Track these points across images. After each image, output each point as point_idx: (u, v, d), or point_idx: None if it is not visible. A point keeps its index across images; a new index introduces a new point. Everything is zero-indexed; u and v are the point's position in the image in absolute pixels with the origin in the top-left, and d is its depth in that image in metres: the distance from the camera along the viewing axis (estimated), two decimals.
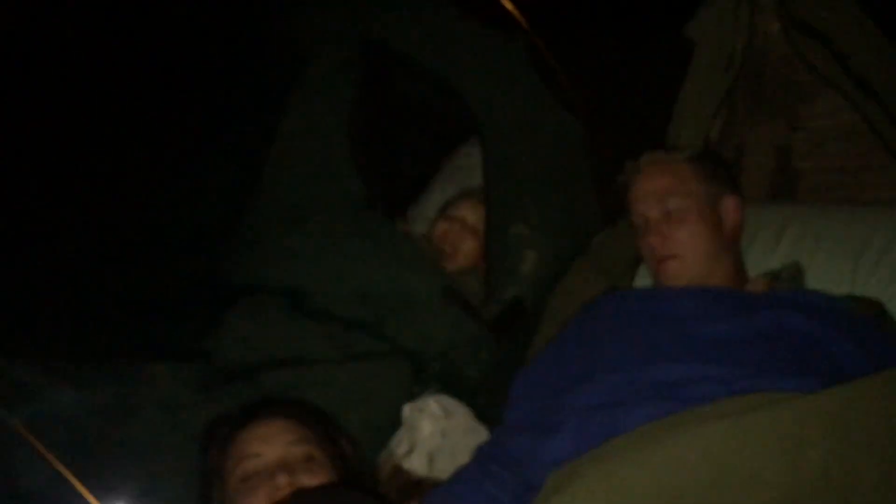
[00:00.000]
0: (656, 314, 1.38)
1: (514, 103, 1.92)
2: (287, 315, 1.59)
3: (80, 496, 1.20)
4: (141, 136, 1.84)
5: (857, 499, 0.93)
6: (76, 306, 1.48)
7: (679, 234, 1.41)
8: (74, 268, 1.56)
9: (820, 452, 0.94)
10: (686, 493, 0.95)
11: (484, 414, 1.58)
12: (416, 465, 1.47)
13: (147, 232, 1.77)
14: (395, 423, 1.54)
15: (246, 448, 1.23)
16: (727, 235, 1.44)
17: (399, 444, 1.50)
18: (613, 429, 1.15)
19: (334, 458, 1.28)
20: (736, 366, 1.21)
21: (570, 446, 1.17)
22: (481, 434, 1.55)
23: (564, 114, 1.95)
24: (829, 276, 1.52)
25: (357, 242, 1.69)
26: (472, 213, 1.92)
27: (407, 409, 1.54)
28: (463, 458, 1.48)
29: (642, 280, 1.69)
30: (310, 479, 1.20)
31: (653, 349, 1.28)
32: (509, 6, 1.94)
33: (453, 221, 1.89)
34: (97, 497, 1.23)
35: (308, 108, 1.87)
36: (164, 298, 1.59)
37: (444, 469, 1.48)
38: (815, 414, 0.97)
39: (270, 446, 1.23)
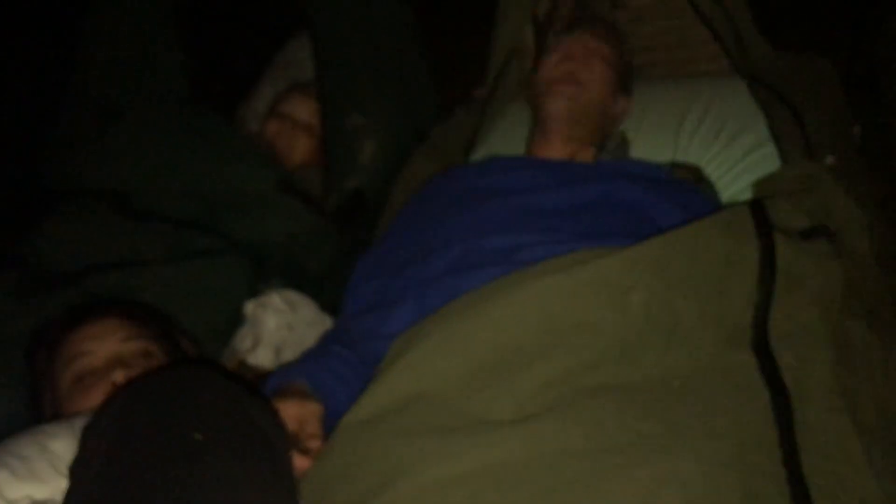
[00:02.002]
0: (489, 188, 1.40)
1: None
2: (110, 217, 1.49)
3: None
4: None
5: (677, 336, 0.99)
6: None
7: (592, 75, 1.47)
8: None
9: (642, 296, 0.99)
10: (524, 343, 0.99)
11: (329, 306, 1.57)
12: (262, 358, 1.44)
13: None
14: (236, 321, 1.50)
15: (76, 347, 1.16)
16: (603, 121, 1.49)
17: (243, 341, 1.47)
18: (453, 295, 1.16)
19: (173, 354, 1.23)
20: (567, 233, 1.25)
21: (411, 318, 1.18)
22: (327, 325, 1.54)
23: (395, 2, 1.91)
24: (652, 145, 1.59)
25: (182, 137, 1.60)
26: (303, 109, 1.85)
27: (250, 306, 1.50)
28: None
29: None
30: None
31: (487, 221, 1.30)
32: None
33: (284, 119, 1.82)
34: None
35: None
36: None
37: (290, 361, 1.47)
38: (636, 261, 1.02)
39: (103, 343, 1.16)
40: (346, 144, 1.73)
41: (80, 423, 0.91)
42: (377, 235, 1.65)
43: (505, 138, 1.70)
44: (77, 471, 0.81)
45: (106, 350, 1.16)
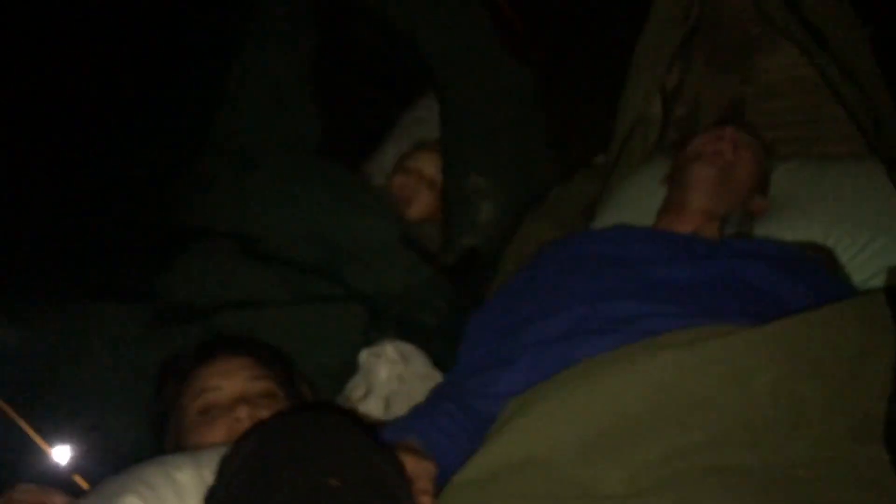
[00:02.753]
0: (613, 256, 1.40)
1: (468, 55, 1.91)
2: (238, 258, 1.57)
3: (27, 438, 1.18)
4: (94, 80, 1.79)
5: (803, 422, 0.95)
6: (25, 246, 1.44)
7: (742, 160, 1.48)
8: (23, 208, 1.52)
9: (769, 378, 0.97)
10: (641, 417, 0.97)
11: (440, 360, 1.58)
12: (373, 408, 1.46)
13: (99, 173, 1.72)
14: (350, 368, 1.53)
15: (205, 382, 1.21)
16: (739, 209, 1.49)
17: (355, 389, 1.49)
18: (569, 360, 1.16)
19: (293, 397, 1.27)
20: (690, 306, 1.23)
21: (525, 378, 1.18)
22: (437, 380, 1.55)
23: (518, 66, 1.95)
24: (777, 225, 1.55)
25: (311, 186, 1.67)
26: (428, 165, 1.91)
27: (364, 355, 1.53)
28: (418, 402, 1.48)
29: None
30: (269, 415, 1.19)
31: (608, 287, 1.29)
32: None
33: (410, 173, 1.88)
34: (44, 438, 1.20)
35: (262, 52, 1.84)
36: (114, 241, 1.55)
37: (399, 414, 1.48)
38: (764, 342, 0.99)
39: (230, 380, 1.21)
40: (465, 203, 1.77)
41: (204, 457, 0.94)
42: (490, 293, 1.67)
43: (626, 207, 1.69)
44: (221, 481, 0.85)
45: (233, 387, 1.21)
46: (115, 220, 1.61)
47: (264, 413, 1.17)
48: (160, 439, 1.25)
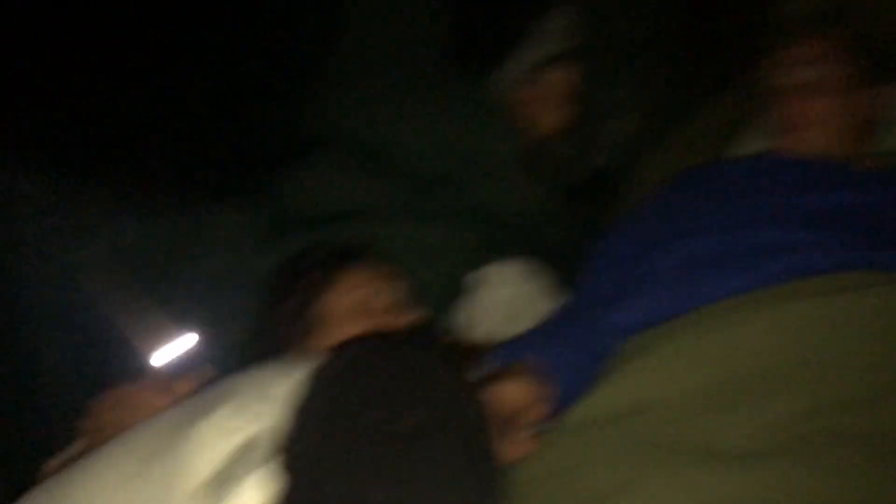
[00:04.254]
0: (752, 182, 1.28)
1: None
2: (360, 167, 1.53)
3: (145, 326, 1.20)
4: None
5: None
6: (150, 144, 1.46)
7: (821, 104, 1.31)
8: (152, 104, 1.53)
9: None
10: (769, 371, 0.89)
11: (556, 284, 1.52)
12: (482, 329, 1.43)
13: (226, 72, 1.72)
14: (460, 286, 1.49)
15: (331, 289, 1.22)
16: (864, 120, 1.34)
17: (468, 307, 1.46)
18: (699, 297, 1.07)
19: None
20: (835, 234, 1.09)
21: (648, 314, 1.11)
22: (552, 305, 1.50)
23: None
24: None
25: (439, 95, 1.60)
26: (561, 79, 1.79)
27: (476, 275, 1.49)
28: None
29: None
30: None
31: (744, 214, 1.18)
32: None
33: (539, 86, 1.77)
34: (161, 329, 1.23)
35: None
36: (237, 143, 1.55)
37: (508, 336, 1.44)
38: None
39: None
40: (598, 121, 1.66)
41: (298, 372, 0.93)
42: (617, 219, 1.57)
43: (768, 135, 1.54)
44: (300, 416, 0.84)
45: (355, 297, 1.20)
46: (240, 122, 1.61)
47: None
48: (263, 343, 1.26)
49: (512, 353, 1.17)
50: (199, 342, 1.22)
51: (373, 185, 1.51)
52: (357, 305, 1.21)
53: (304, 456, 0.79)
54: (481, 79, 1.85)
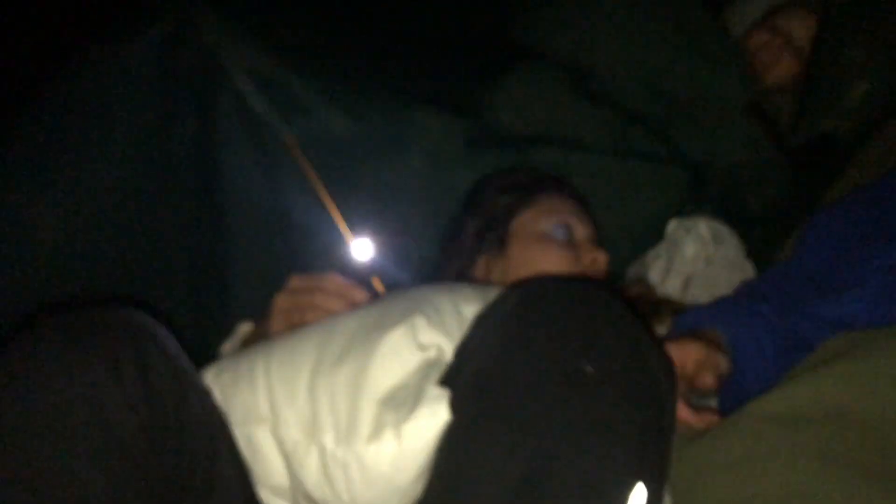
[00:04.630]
0: None
1: None
2: (567, 90, 1.45)
3: (334, 222, 1.21)
4: None
5: None
6: (363, 34, 1.43)
7: None
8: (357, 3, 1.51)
9: None
10: None
11: (755, 251, 1.41)
12: (670, 284, 1.35)
13: None
14: (655, 234, 1.41)
15: (564, 207, 1.20)
16: None
17: (656, 259, 1.38)
18: None
19: None
20: None
21: (865, 310, 1.01)
22: (747, 271, 1.40)
23: None
24: None
25: (662, 25, 1.48)
26: (800, 27, 1.62)
27: (673, 225, 1.40)
28: (720, 291, 1.35)
29: None
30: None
31: None
32: None
33: (777, 33, 1.61)
34: (350, 228, 1.24)
35: None
36: (446, 44, 1.50)
37: (696, 297, 1.36)
38: None
39: (583, 223, 1.20)
40: (834, 79, 1.50)
41: (492, 295, 0.90)
42: (836, 190, 1.43)
43: None
44: (479, 345, 0.81)
45: (549, 222, 1.18)
46: (451, 27, 1.56)
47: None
48: (451, 244, 1.24)
49: (699, 320, 1.10)
50: (379, 251, 1.22)
51: (582, 111, 1.43)
52: (550, 232, 1.17)
53: (480, 388, 0.76)
54: (714, 10, 1.71)
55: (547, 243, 1.16)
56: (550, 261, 1.14)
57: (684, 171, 1.42)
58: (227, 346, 1.06)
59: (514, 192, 1.22)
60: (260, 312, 1.06)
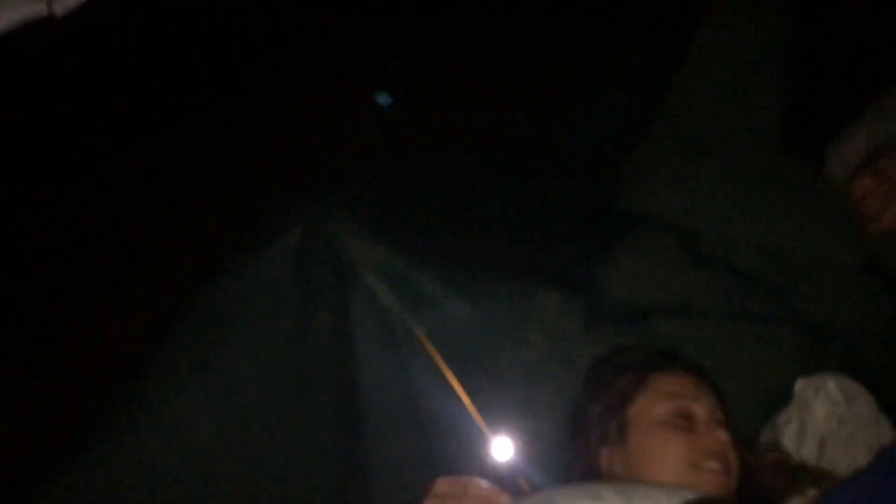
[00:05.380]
0: None
1: None
2: (678, 256, 1.49)
3: (470, 416, 1.25)
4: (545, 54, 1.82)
5: None
6: (477, 222, 1.51)
7: None
8: (475, 183, 1.60)
9: None
10: None
11: (888, 406, 1.38)
12: (805, 449, 1.33)
13: (546, 151, 1.75)
14: (781, 397, 1.40)
15: (682, 388, 1.18)
16: None
17: (787, 423, 1.36)
18: None
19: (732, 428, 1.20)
20: None
21: None
22: (883, 429, 1.36)
23: None
24: None
25: (768, 188, 1.52)
26: None
27: (800, 385, 1.38)
28: (858, 451, 1.31)
29: None
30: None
31: None
32: None
33: (882, 178, 1.61)
34: (481, 415, 1.28)
35: (730, 19, 1.69)
36: (555, 221, 1.57)
37: (833, 459, 1.33)
38: None
39: (705, 398, 1.18)
40: None
41: (638, 501, 0.91)
42: None
43: None
44: None
45: (709, 405, 1.17)
46: (558, 202, 1.63)
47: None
48: (577, 435, 1.25)
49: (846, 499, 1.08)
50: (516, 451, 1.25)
51: (694, 277, 1.46)
52: (668, 420, 1.16)
53: None
54: (814, 161, 1.73)
55: (665, 432, 1.15)
56: (670, 450, 1.13)
57: (805, 330, 1.42)
58: None
59: (628, 373, 1.22)
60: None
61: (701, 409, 1.18)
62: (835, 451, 1.34)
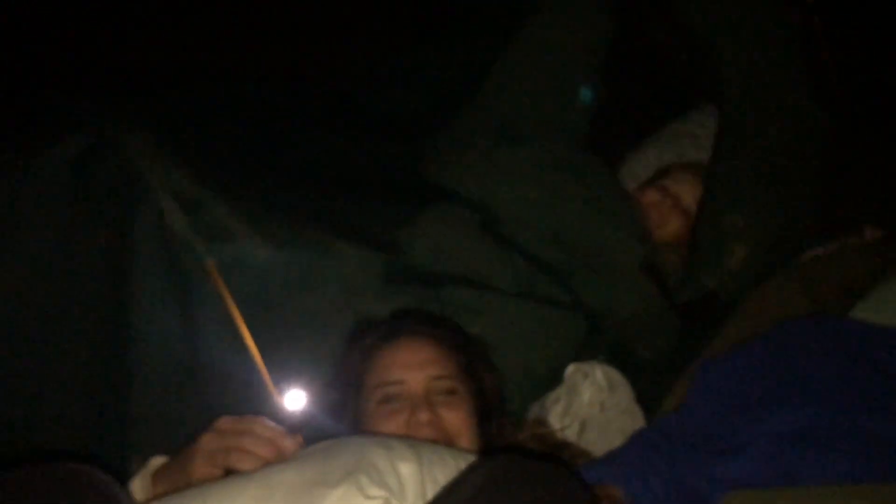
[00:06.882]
0: (874, 358, 1.25)
1: (768, 80, 1.75)
2: (478, 233, 1.52)
3: (253, 357, 1.19)
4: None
5: None
6: (285, 163, 1.45)
7: None
8: (293, 127, 1.53)
9: None
10: None
11: (643, 398, 1.49)
12: (568, 430, 1.40)
13: (366, 109, 1.72)
14: (553, 377, 1.47)
15: (388, 373, 1.20)
16: None
17: (555, 403, 1.43)
18: (801, 468, 1.07)
19: (474, 392, 1.25)
20: None
21: (751, 472, 1.09)
22: (636, 417, 1.47)
23: (819, 110, 1.77)
24: None
25: (565, 178, 1.58)
26: (688, 192, 1.77)
27: (571, 369, 1.46)
28: (612, 436, 1.41)
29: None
30: (448, 414, 1.18)
31: (862, 392, 1.16)
32: None
33: (666, 195, 1.75)
34: (269, 363, 1.22)
35: (555, 20, 1.75)
36: (368, 178, 1.54)
37: (591, 441, 1.41)
38: None
39: (414, 375, 1.19)
40: (716, 243, 1.64)
41: (425, 454, 0.92)
42: (716, 344, 1.54)
43: None
44: None
45: (416, 384, 1.19)
46: (375, 161, 1.60)
47: (443, 413, 1.17)
48: (334, 399, 1.24)
49: (600, 475, 1.15)
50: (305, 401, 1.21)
51: (491, 253, 1.49)
52: (379, 399, 1.19)
53: None
54: (613, 169, 1.84)
55: (381, 414, 1.17)
56: (390, 427, 1.15)
57: (583, 318, 1.50)
58: (137, 482, 1.00)
59: (359, 353, 1.25)
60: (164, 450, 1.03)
61: (405, 388, 1.19)
62: (593, 434, 1.42)
